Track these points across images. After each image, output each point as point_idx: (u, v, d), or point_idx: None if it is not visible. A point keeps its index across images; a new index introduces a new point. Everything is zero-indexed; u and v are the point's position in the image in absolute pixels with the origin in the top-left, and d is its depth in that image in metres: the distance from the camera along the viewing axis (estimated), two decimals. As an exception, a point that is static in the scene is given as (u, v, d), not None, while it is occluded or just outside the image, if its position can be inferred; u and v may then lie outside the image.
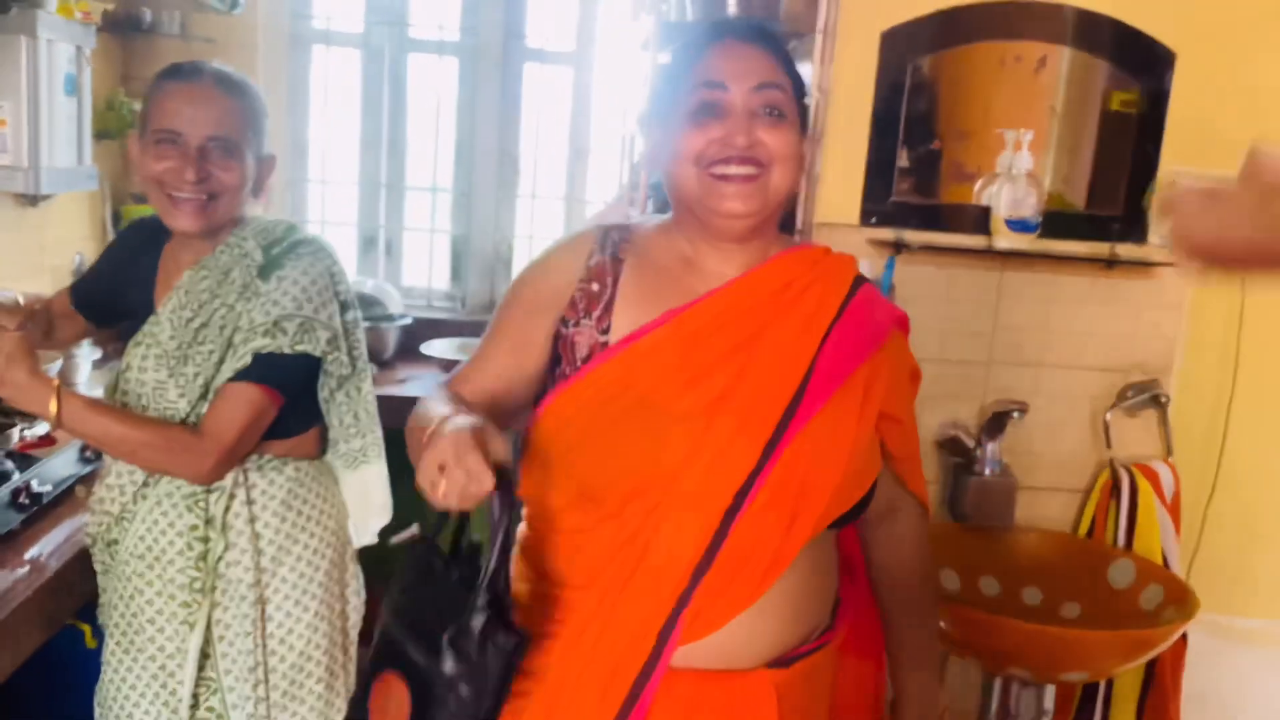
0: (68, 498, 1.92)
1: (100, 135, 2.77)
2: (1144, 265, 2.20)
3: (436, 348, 3.17)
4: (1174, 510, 2.23)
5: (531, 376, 1.30)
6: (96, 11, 2.51)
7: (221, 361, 1.61)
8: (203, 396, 1.62)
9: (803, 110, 1.27)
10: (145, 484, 1.64)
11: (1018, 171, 2.09)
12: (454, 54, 3.53)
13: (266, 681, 1.67)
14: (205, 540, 1.63)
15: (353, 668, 1.83)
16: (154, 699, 1.65)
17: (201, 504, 1.62)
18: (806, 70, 2.27)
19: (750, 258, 1.28)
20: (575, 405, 1.24)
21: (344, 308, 1.72)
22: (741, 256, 1.28)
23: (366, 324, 3.12)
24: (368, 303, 3.27)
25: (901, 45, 2.13)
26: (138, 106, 1.96)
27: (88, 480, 1.95)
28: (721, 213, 1.22)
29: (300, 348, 1.60)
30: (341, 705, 1.78)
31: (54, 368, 2.06)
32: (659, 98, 1.30)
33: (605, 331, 1.26)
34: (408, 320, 3.30)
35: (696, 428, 1.21)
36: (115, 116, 2.87)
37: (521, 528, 1.36)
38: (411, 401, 2.91)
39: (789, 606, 1.25)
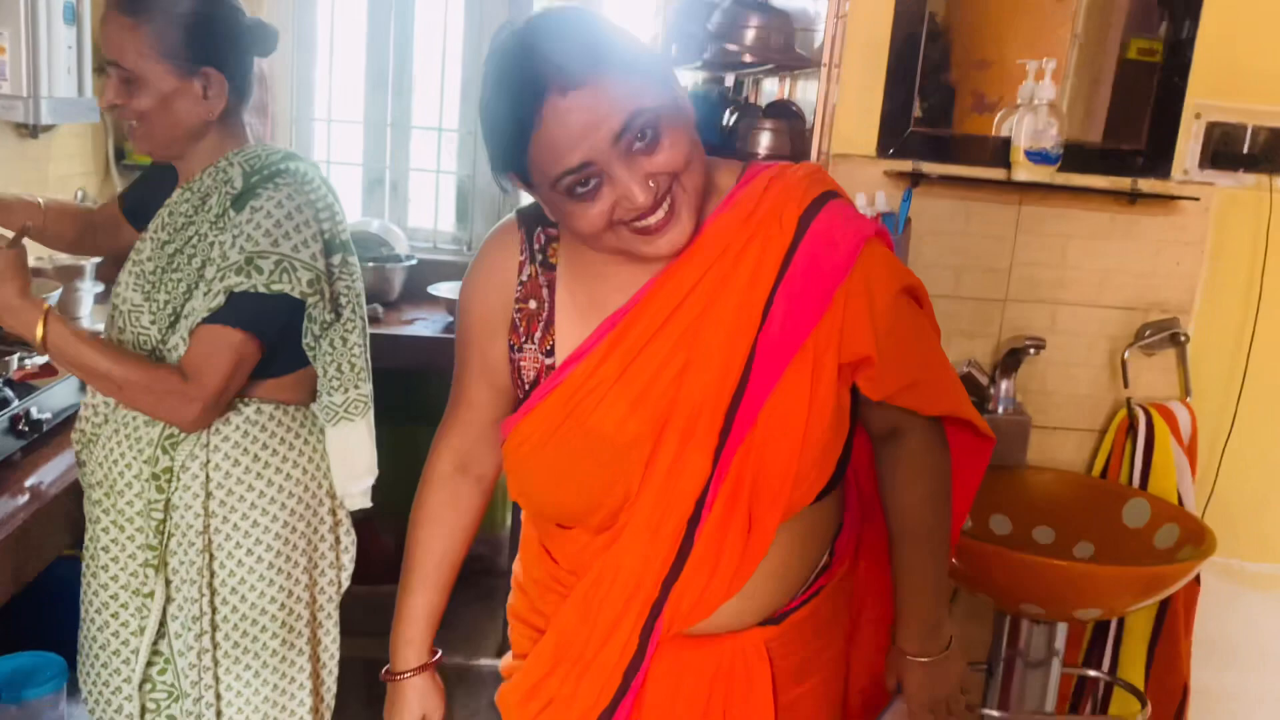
0: (68, 426, 1.89)
1: (101, 68, 2.71)
2: (1166, 199, 2.14)
3: (443, 289, 3.13)
4: (1190, 451, 2.19)
5: (513, 393, 1.27)
6: (96, -63, 2.45)
7: (190, 291, 1.54)
8: (172, 325, 1.56)
9: (666, 81, 1.09)
10: (116, 407, 1.60)
11: (1039, 101, 2.03)
12: (461, -11, 3.45)
13: (213, 631, 1.60)
14: (164, 475, 1.57)
15: (328, 631, 1.75)
16: (113, 635, 1.60)
17: (160, 438, 1.57)
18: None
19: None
20: (525, 432, 1.20)
21: (330, 248, 1.61)
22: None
23: (371, 264, 3.13)
24: (374, 243, 3.23)
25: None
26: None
27: (89, 409, 1.92)
28: (655, 257, 1.11)
29: (277, 287, 1.50)
30: (305, 665, 1.69)
31: (53, 296, 2.02)
32: (505, 165, 1.11)
33: (549, 353, 1.20)
34: (413, 261, 3.26)
35: (644, 452, 1.15)
36: (116, 48, 2.81)
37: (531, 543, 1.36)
38: (418, 341, 2.89)
39: (774, 579, 1.22)
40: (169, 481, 1.57)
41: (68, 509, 1.69)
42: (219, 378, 1.51)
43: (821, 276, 1.12)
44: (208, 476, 1.58)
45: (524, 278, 1.21)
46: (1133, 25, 2.15)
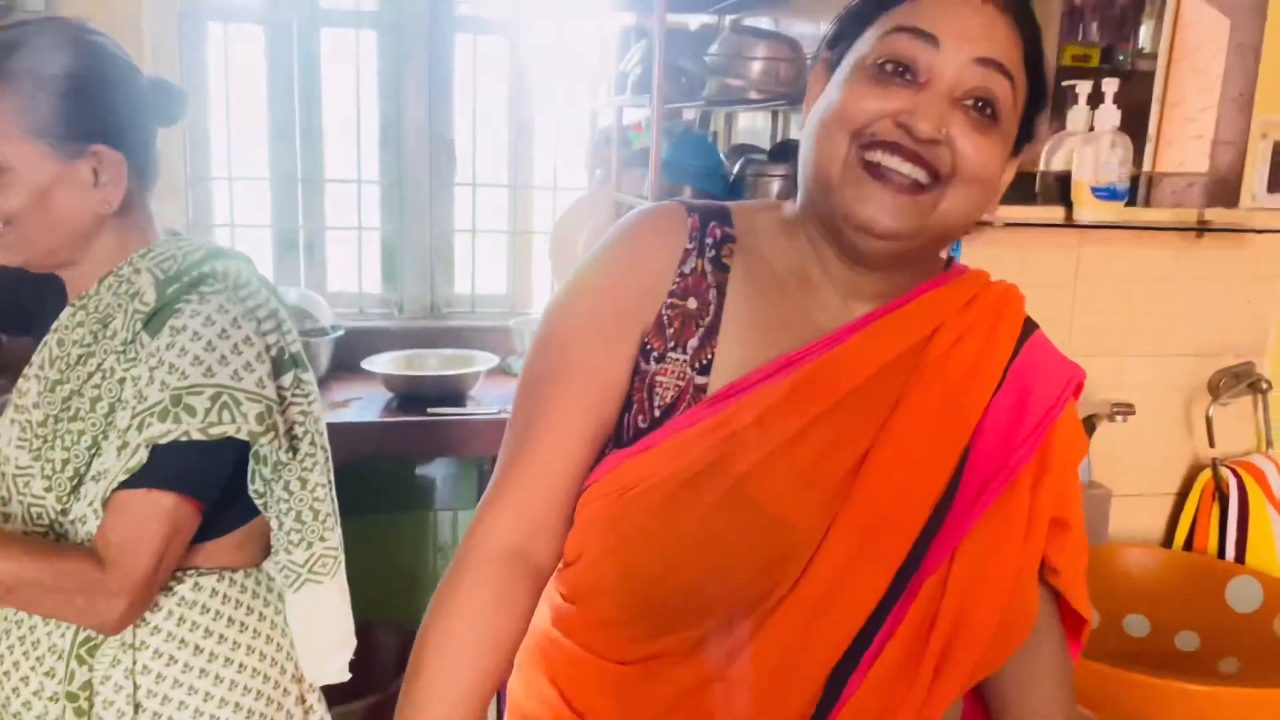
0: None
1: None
2: (1236, 232, 1.91)
3: (380, 363, 2.75)
4: (1282, 511, 1.96)
5: (610, 428, 0.92)
6: (-60, -20, 2.01)
7: (96, 445, 1.17)
8: (74, 491, 1.18)
9: (1026, 122, 0.90)
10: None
11: (1102, 128, 1.77)
12: (373, 26, 3.10)
13: None
14: (83, 693, 1.20)
15: None
16: None
17: (73, 646, 1.20)
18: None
19: (892, 290, 0.93)
20: (646, 481, 0.87)
21: (279, 367, 1.25)
22: (881, 286, 0.92)
23: (293, 342, 2.74)
24: (294, 316, 2.82)
25: None
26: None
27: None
28: (856, 220, 0.85)
29: (217, 431, 1.14)
30: None
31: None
32: (845, 23, 0.91)
33: (704, 370, 0.89)
34: (340, 332, 2.86)
35: (808, 538, 0.86)
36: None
37: (542, 623, 0.97)
38: (358, 429, 2.39)
39: None
40: (89, 701, 1.18)
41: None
42: (148, 559, 1.14)
43: (1035, 405, 0.92)
44: (135, 685, 1.20)
45: (686, 269, 0.92)
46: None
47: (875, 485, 0.87)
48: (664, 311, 0.91)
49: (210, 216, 3.11)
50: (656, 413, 0.89)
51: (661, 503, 0.86)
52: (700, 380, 0.89)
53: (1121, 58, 1.96)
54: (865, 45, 0.87)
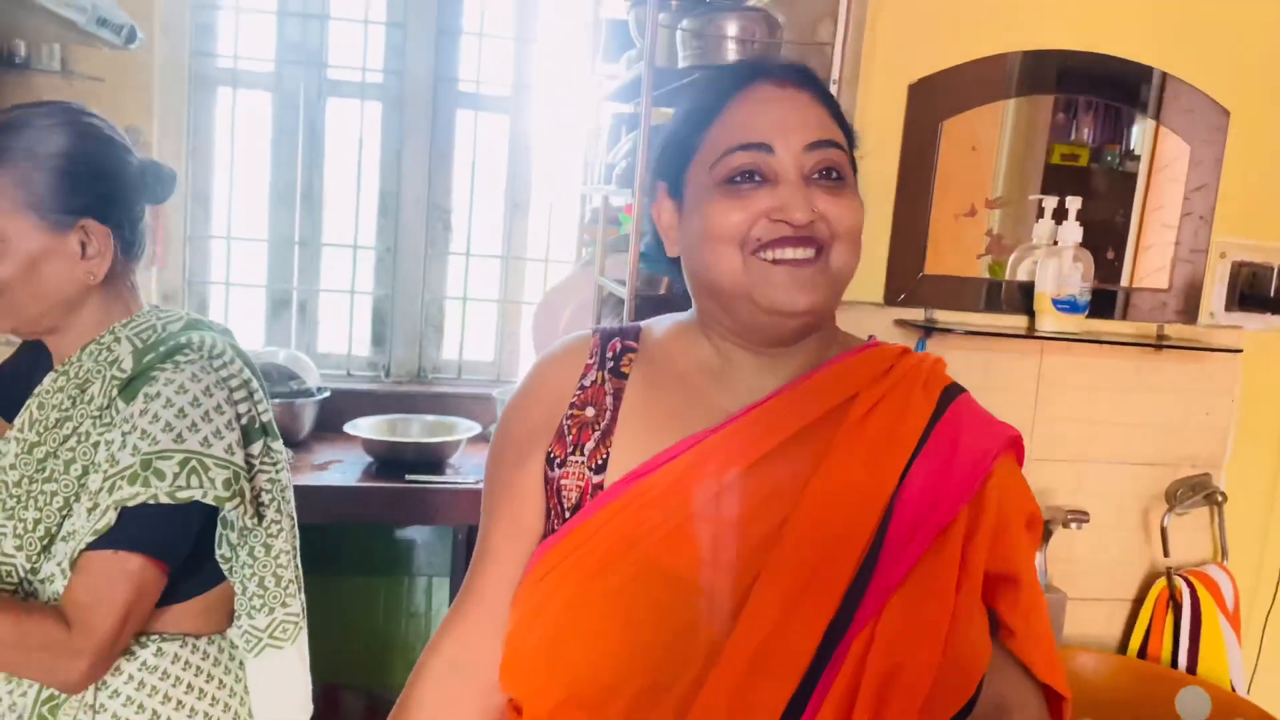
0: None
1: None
2: (1194, 349, 1.96)
3: (362, 427, 2.78)
4: (1234, 621, 1.99)
5: (539, 535, 1.00)
6: (-42, 44, 2.08)
7: (67, 506, 1.21)
8: (44, 550, 1.22)
9: (854, 169, 1.01)
10: None
11: (1064, 244, 1.83)
12: (377, 98, 3.17)
13: None
14: None
15: None
16: None
17: (35, 706, 1.22)
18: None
19: (800, 365, 1.00)
20: (561, 572, 0.93)
21: (248, 435, 1.30)
22: (789, 365, 0.99)
23: (277, 400, 2.77)
24: (281, 376, 2.87)
25: (932, 98, 1.86)
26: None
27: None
28: (776, 309, 0.93)
29: (184, 495, 1.19)
30: None
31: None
32: (671, 154, 1.02)
33: (599, 469, 0.97)
34: (326, 394, 2.90)
35: (728, 604, 0.90)
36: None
37: None
38: (337, 493, 2.40)
39: None
40: None
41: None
42: (112, 620, 1.17)
43: (961, 462, 0.96)
44: None
45: (586, 382, 1.03)
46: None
47: (794, 550, 0.91)
48: (564, 422, 1.00)
49: (207, 274, 3.16)
50: (566, 513, 0.97)
51: (579, 586, 0.92)
52: (595, 479, 0.97)
53: (1110, 158, 2.03)
54: (704, 170, 0.97)
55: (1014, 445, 1.01)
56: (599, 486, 0.97)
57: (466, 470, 2.66)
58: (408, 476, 2.55)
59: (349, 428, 2.75)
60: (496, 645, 0.99)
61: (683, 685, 0.89)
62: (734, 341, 0.99)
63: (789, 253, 0.93)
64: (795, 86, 0.97)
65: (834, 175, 0.95)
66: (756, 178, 0.94)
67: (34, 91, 2.55)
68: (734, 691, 0.88)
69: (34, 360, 1.38)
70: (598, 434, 0.99)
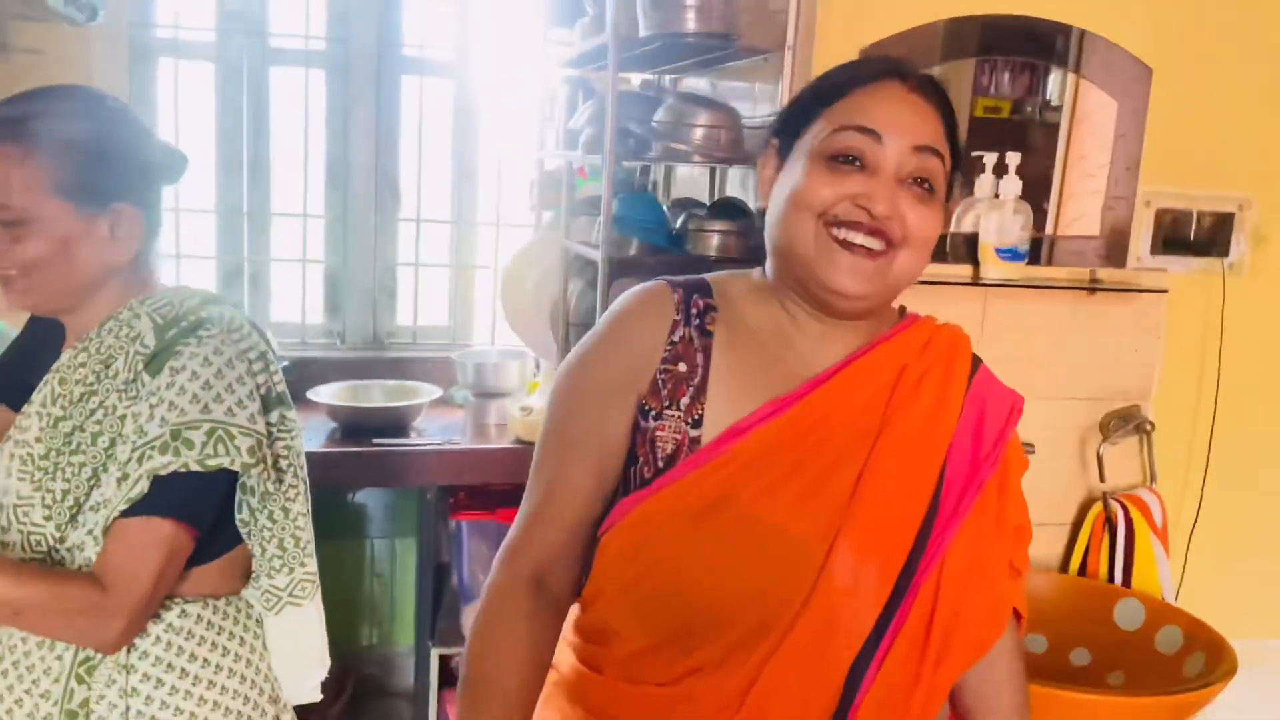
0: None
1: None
2: (1124, 291, 2.12)
3: (324, 394, 2.82)
4: (1163, 538, 2.17)
5: (616, 479, 1.08)
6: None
7: (95, 476, 1.26)
8: (72, 520, 1.27)
9: (949, 189, 1.08)
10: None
11: (1005, 196, 1.97)
12: (321, 65, 3.17)
13: None
14: (81, 712, 1.28)
15: None
16: None
17: (72, 666, 1.28)
18: (773, 93, 2.09)
19: (858, 338, 1.09)
20: (659, 519, 1.03)
21: (267, 404, 1.36)
22: (848, 336, 1.09)
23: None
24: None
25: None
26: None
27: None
28: (829, 286, 1.02)
29: (214, 462, 1.25)
30: None
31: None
32: (792, 119, 1.08)
33: (697, 424, 1.05)
34: (285, 363, 2.92)
35: (815, 554, 1.01)
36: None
37: (566, 663, 1.11)
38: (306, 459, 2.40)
39: None
40: (86, 718, 1.27)
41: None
42: (147, 582, 1.23)
43: (990, 427, 1.09)
44: (127, 707, 1.28)
45: (675, 338, 1.08)
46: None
47: (870, 503, 1.02)
48: (658, 376, 1.07)
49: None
50: (660, 463, 1.05)
51: (678, 533, 1.02)
52: (694, 433, 1.05)
53: (1030, 109, 2.16)
54: (814, 139, 1.04)
55: (1018, 409, 1.15)
56: (696, 441, 1.04)
57: (432, 432, 2.71)
58: (375, 440, 2.60)
59: (312, 394, 2.77)
60: (574, 573, 1.09)
61: (780, 627, 1.00)
62: (802, 306, 1.07)
63: (859, 238, 1.00)
64: (922, 94, 1.03)
65: (927, 185, 1.02)
66: (858, 162, 1.01)
67: (-26, 66, 2.52)
68: (822, 628, 1.00)
69: (35, 342, 1.42)
70: (692, 389, 1.06)
